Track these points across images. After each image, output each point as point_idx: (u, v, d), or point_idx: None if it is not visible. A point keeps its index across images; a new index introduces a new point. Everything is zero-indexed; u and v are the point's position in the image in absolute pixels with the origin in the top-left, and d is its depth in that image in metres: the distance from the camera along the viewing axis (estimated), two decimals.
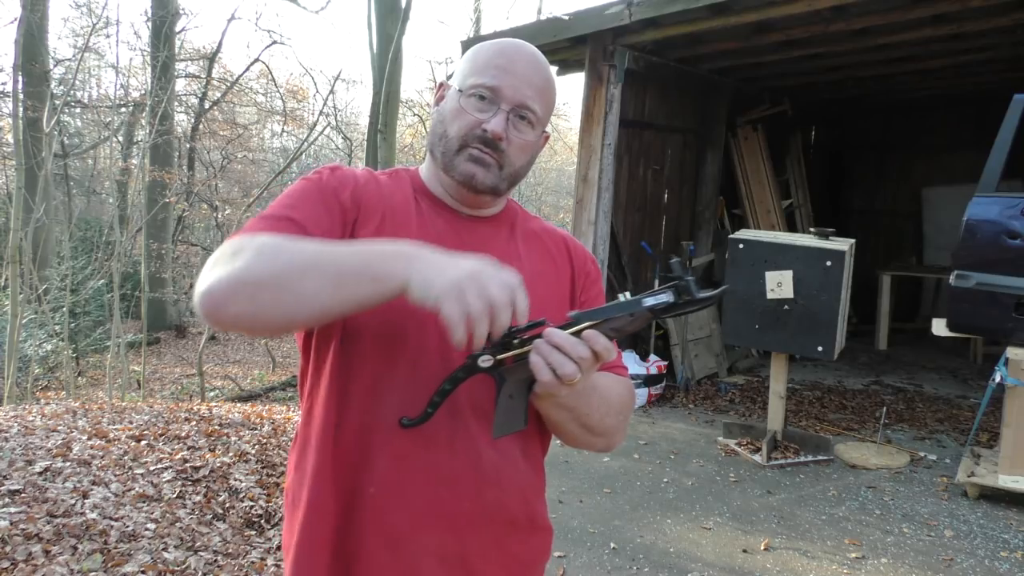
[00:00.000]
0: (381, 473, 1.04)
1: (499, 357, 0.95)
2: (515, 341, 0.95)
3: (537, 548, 1.19)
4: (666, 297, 0.92)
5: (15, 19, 9.19)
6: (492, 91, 1.08)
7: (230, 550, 3.01)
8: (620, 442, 1.21)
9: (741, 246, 4.39)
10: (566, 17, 5.32)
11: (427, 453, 1.05)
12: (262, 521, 3.34)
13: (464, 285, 0.85)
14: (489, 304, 0.85)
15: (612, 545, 3.36)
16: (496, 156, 1.09)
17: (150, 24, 14.07)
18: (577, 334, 0.94)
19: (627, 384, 1.22)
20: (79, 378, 9.80)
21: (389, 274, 0.89)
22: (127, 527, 2.95)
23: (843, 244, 4.23)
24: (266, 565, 2.96)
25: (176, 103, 15.30)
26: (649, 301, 0.92)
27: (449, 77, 1.17)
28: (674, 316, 0.94)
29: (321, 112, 14.85)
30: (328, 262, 0.90)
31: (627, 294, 0.95)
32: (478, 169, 1.09)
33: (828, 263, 4.11)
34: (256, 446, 4.12)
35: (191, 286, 15.56)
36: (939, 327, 4.57)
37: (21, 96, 8.88)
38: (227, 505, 3.38)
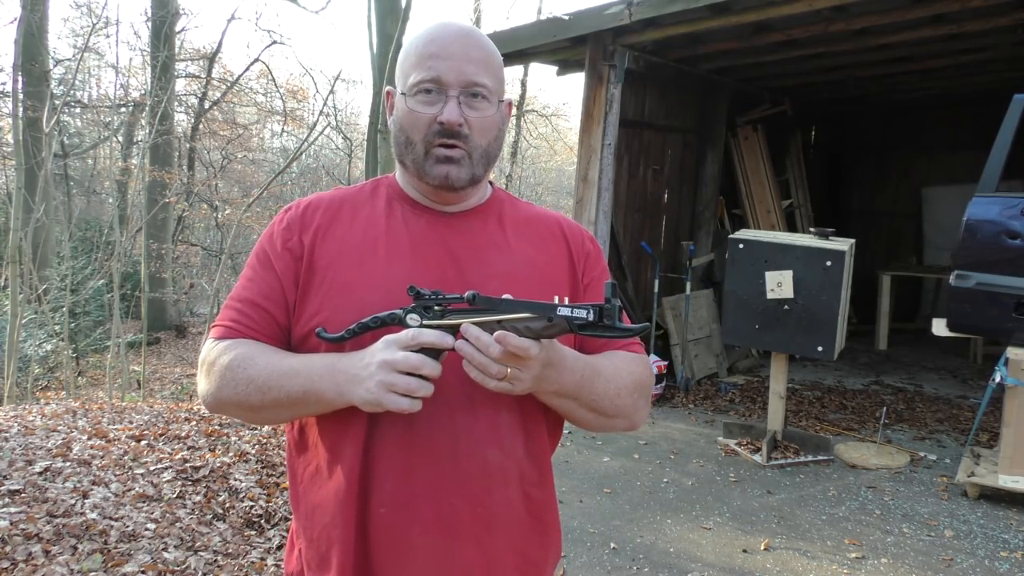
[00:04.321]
0: (390, 493, 1.05)
1: (425, 323, 0.97)
2: (436, 308, 0.97)
3: (547, 547, 1.18)
4: (584, 314, 0.90)
5: (15, 19, 9.19)
6: (434, 82, 1.06)
7: (230, 550, 3.01)
8: (643, 420, 1.19)
9: (741, 246, 4.39)
10: (566, 17, 5.31)
11: (432, 465, 1.05)
12: (262, 521, 3.34)
13: (382, 380, 0.94)
14: (406, 369, 0.94)
15: (612, 545, 3.36)
16: (462, 145, 1.08)
17: (150, 24, 14.06)
18: (496, 322, 0.93)
19: (640, 360, 1.20)
20: (79, 378, 9.79)
21: (327, 400, 1.01)
22: (127, 527, 2.95)
23: (843, 244, 4.23)
24: (266, 565, 2.95)
25: (176, 103, 15.30)
26: (564, 311, 0.90)
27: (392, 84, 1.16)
28: (591, 335, 0.93)
29: (321, 112, 14.84)
30: (276, 389, 1.02)
31: (566, 299, 0.93)
32: (450, 168, 1.08)
33: (828, 263, 4.11)
34: (256, 446, 4.12)
35: (191, 286, 15.64)
36: (939, 327, 4.57)
37: (21, 96, 8.88)
38: (227, 505, 3.38)
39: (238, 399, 1.05)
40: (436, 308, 0.98)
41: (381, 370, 0.94)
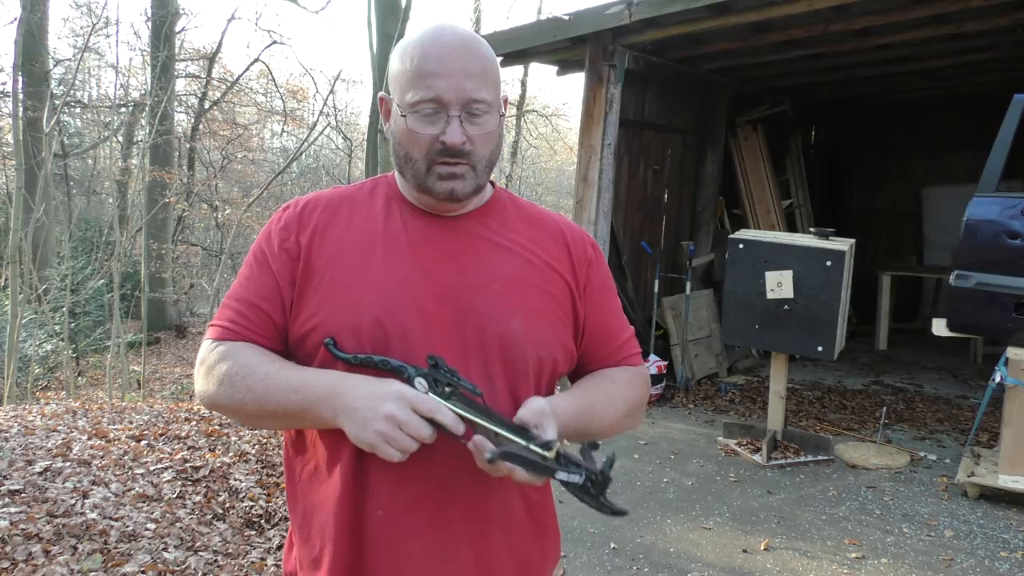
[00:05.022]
0: (386, 496, 1.05)
1: (431, 395, 0.98)
2: (447, 388, 0.99)
3: (546, 550, 1.18)
4: (576, 478, 0.93)
5: (15, 19, 9.19)
6: (434, 102, 1.04)
7: (230, 550, 3.01)
8: (639, 425, 1.23)
9: (741, 246, 4.39)
10: (566, 17, 5.31)
11: (429, 467, 1.04)
12: (262, 521, 3.34)
13: (384, 431, 0.94)
14: (410, 434, 0.94)
15: (612, 545, 3.36)
16: (466, 161, 1.06)
17: (150, 24, 14.06)
18: (494, 434, 0.97)
19: (638, 378, 1.21)
20: (79, 378, 9.79)
21: (322, 420, 1.00)
22: (127, 527, 2.95)
23: (843, 244, 4.23)
24: (266, 565, 2.95)
25: (176, 103, 15.29)
26: (562, 475, 0.94)
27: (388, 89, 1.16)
28: (574, 495, 0.96)
29: (321, 112, 14.85)
30: (274, 402, 1.02)
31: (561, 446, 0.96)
32: (455, 183, 1.07)
33: (828, 263, 4.11)
34: (256, 446, 4.12)
35: (191, 286, 15.63)
36: (939, 327, 4.57)
37: (21, 96, 8.88)
38: (227, 505, 3.38)
39: (235, 406, 1.05)
40: (446, 388, 0.99)
41: (387, 422, 0.94)
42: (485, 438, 0.96)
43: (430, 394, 0.97)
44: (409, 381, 0.98)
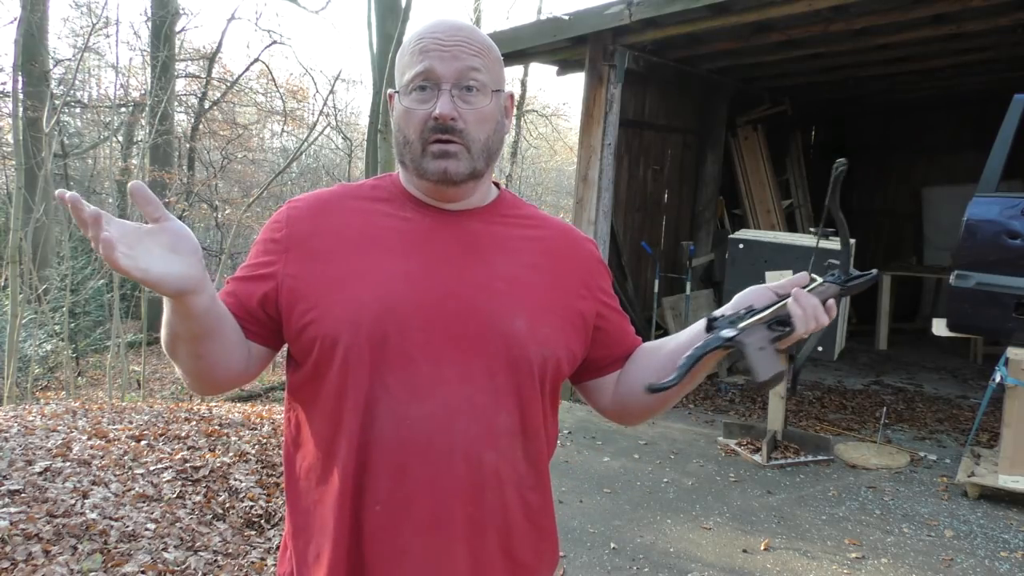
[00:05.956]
0: (384, 490, 1.04)
1: (741, 326, 1.10)
2: (743, 311, 1.15)
3: (542, 553, 1.17)
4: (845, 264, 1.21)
5: (15, 19, 9.20)
6: (426, 77, 1.05)
7: (230, 550, 3.01)
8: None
9: (741, 246, 4.39)
10: (566, 17, 5.31)
11: (428, 464, 1.04)
12: (262, 521, 3.34)
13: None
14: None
15: (612, 545, 3.36)
16: (458, 139, 1.06)
17: (150, 24, 14.06)
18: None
19: None
20: (79, 378, 9.79)
21: (184, 307, 0.96)
22: (127, 527, 2.95)
23: None
24: (266, 565, 2.95)
25: (176, 103, 15.29)
26: (833, 282, 1.24)
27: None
28: (855, 284, 1.25)
29: (321, 112, 14.82)
30: (173, 324, 1.01)
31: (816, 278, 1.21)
32: (448, 163, 1.06)
33: (828, 263, 4.11)
34: (256, 446, 4.12)
35: None
36: (939, 327, 4.57)
37: (21, 96, 8.87)
38: (227, 505, 3.38)
39: (171, 347, 1.04)
40: (743, 312, 1.15)
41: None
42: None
43: (742, 328, 1.12)
44: (718, 331, 1.12)
